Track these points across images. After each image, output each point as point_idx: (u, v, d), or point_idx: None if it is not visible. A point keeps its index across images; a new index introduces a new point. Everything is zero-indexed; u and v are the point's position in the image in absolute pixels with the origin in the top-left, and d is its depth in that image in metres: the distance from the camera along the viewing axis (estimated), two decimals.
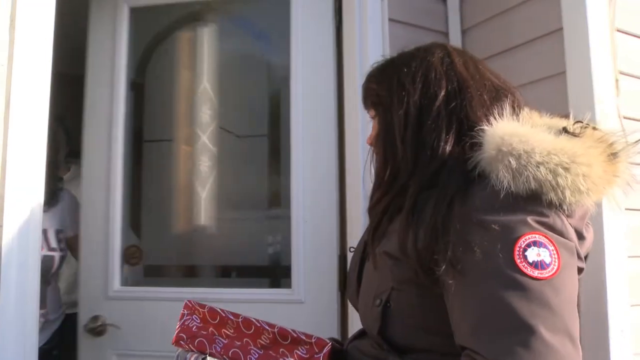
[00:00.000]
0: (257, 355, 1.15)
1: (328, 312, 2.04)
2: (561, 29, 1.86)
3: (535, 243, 0.91)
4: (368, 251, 1.17)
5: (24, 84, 1.55)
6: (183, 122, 2.44)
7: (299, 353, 1.15)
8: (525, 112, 1.12)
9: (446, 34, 2.28)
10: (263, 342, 1.17)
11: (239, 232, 2.39)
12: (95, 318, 2.21)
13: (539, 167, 0.94)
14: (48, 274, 2.23)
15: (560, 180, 0.94)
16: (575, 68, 1.80)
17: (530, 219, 0.93)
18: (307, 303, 1.99)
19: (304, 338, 1.17)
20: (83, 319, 2.23)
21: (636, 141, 1.04)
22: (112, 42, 2.36)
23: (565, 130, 1.03)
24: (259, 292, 2.19)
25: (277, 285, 2.25)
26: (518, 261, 0.89)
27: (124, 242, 2.32)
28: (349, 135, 2.08)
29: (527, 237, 0.91)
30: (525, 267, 0.89)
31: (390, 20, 2.12)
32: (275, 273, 2.28)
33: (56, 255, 2.24)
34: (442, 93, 1.09)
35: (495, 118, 1.04)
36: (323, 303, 1.95)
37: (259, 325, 1.18)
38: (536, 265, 0.89)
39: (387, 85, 1.16)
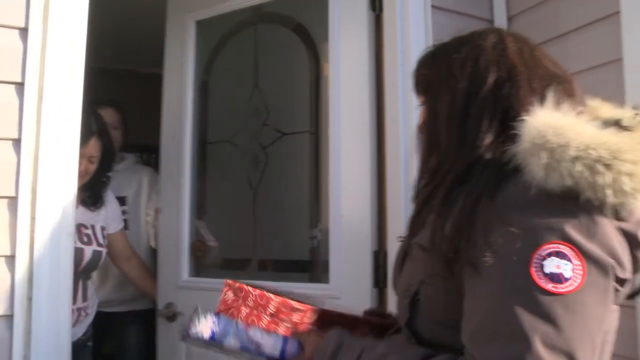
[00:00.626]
0: (265, 323, 1.22)
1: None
2: (618, 12, 1.73)
3: (557, 254, 0.83)
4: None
5: (57, 75, 1.53)
6: (239, 122, 2.57)
7: (294, 319, 1.22)
8: (591, 103, 1.04)
9: (491, 21, 2.17)
10: (270, 311, 1.23)
11: (284, 226, 2.44)
12: (168, 305, 2.43)
13: (574, 163, 0.85)
14: (94, 269, 2.26)
15: (598, 178, 0.84)
16: (633, 54, 1.67)
17: (559, 225, 0.84)
18: (343, 299, 1.92)
19: (301, 308, 1.22)
20: (160, 305, 2.47)
21: None
22: (182, 51, 2.61)
23: (617, 123, 0.94)
24: (296, 285, 2.13)
25: (318, 280, 2.23)
26: (533, 270, 0.83)
27: (192, 237, 2.52)
28: (390, 128, 1.99)
29: (550, 246, 0.84)
30: (539, 278, 0.83)
31: (433, 7, 2.03)
32: (316, 267, 2.26)
33: (103, 251, 2.27)
34: (491, 80, 1.01)
35: (537, 105, 0.96)
36: (358, 300, 1.88)
37: (269, 296, 1.24)
38: (552, 277, 0.82)
39: (436, 71, 1.09)
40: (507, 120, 0.98)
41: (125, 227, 2.61)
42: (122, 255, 2.47)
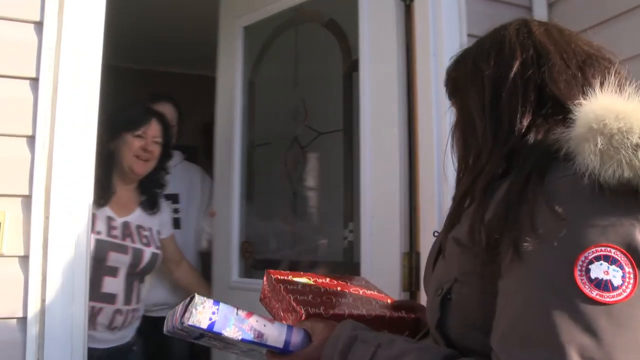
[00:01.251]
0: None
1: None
2: None
3: (607, 258, 0.73)
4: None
5: (72, 70, 1.48)
6: (281, 123, 2.59)
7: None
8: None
9: (529, 9, 2.03)
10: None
11: (321, 227, 2.42)
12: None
13: (637, 151, 0.73)
14: (150, 271, 2.24)
15: None
16: None
17: (613, 225, 0.74)
18: None
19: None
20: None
21: None
22: (232, 56, 2.69)
23: None
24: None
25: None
26: (577, 273, 0.73)
27: (241, 238, 2.55)
28: (422, 124, 1.88)
29: (599, 248, 0.73)
30: (584, 283, 0.72)
31: None
32: (348, 269, 2.19)
33: (160, 254, 2.25)
34: (517, 62, 0.94)
35: (589, 89, 0.85)
36: None
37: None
38: (598, 284, 0.72)
39: (462, 70, 1.03)
40: (543, 100, 0.90)
41: (177, 226, 2.60)
42: (173, 260, 2.43)
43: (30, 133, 1.44)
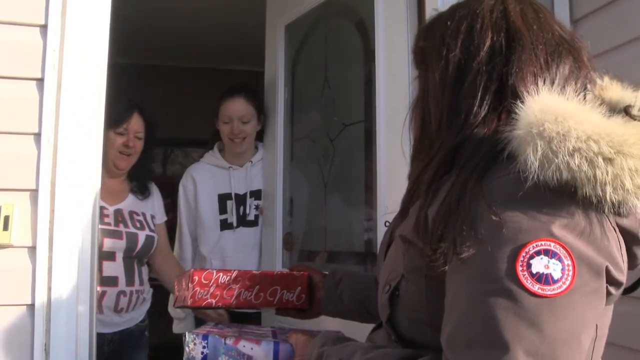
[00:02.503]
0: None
1: None
2: None
3: (547, 252, 0.73)
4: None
5: (76, 70, 1.54)
6: (315, 117, 2.57)
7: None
8: (599, 81, 0.91)
9: None
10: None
11: (347, 218, 2.38)
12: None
13: (573, 155, 0.74)
14: (147, 254, 2.29)
15: (598, 173, 0.74)
16: None
17: (551, 221, 0.74)
18: None
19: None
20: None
21: None
22: (275, 53, 2.71)
23: (626, 110, 0.84)
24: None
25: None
26: (519, 269, 0.73)
27: (284, 230, 2.54)
28: None
29: (539, 243, 0.73)
30: (526, 278, 0.72)
31: None
32: (370, 260, 2.16)
33: (155, 236, 2.30)
34: (486, 47, 0.88)
35: (540, 84, 0.84)
36: None
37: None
38: (540, 278, 0.72)
39: (430, 41, 0.96)
40: (504, 92, 0.86)
41: (255, 224, 2.59)
42: (159, 250, 2.37)
43: (36, 131, 1.51)
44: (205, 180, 2.57)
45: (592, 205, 0.75)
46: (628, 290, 0.92)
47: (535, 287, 0.72)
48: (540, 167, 0.75)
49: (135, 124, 2.23)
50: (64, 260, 1.49)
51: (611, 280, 0.77)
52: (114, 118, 2.13)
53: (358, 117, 2.28)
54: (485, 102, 0.86)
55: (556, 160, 0.74)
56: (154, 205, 2.39)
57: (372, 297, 1.23)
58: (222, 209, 2.56)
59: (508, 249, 0.74)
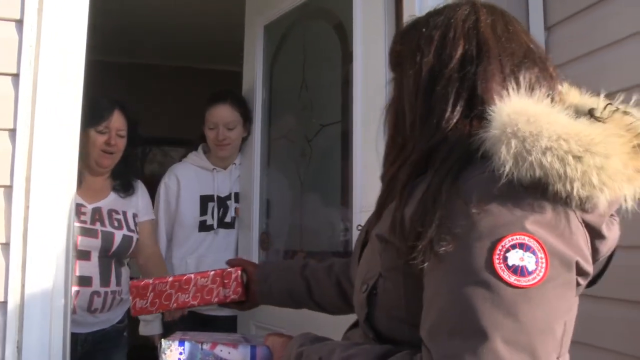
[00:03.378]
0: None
1: None
2: None
3: (522, 245, 0.78)
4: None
5: (52, 66, 1.51)
6: (292, 118, 2.60)
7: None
8: (560, 87, 0.96)
9: None
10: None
11: (324, 218, 2.39)
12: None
13: (545, 153, 0.79)
14: (125, 254, 2.24)
15: (568, 170, 0.78)
16: None
17: (525, 216, 0.79)
18: None
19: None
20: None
21: None
22: (253, 51, 2.74)
23: (590, 113, 0.88)
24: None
25: None
26: (496, 262, 0.77)
27: (261, 229, 2.56)
28: None
29: (514, 237, 0.78)
30: (502, 270, 0.76)
31: None
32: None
33: (134, 236, 2.25)
34: (457, 55, 0.93)
35: (510, 90, 0.88)
36: None
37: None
38: (515, 270, 0.77)
39: (406, 46, 1.00)
40: (474, 101, 0.90)
41: (232, 226, 2.57)
42: (141, 248, 2.33)
43: (11, 126, 1.47)
44: (189, 180, 2.56)
45: (561, 201, 0.79)
46: (590, 283, 0.96)
47: (512, 279, 0.76)
48: (515, 164, 0.79)
49: (117, 121, 2.20)
50: (38, 257, 1.46)
51: (580, 272, 0.82)
52: (95, 116, 2.12)
53: (335, 118, 2.29)
54: (457, 108, 0.90)
55: (530, 158, 0.78)
56: (137, 203, 2.34)
57: (295, 288, 1.37)
58: (203, 211, 2.55)
59: (485, 243, 0.78)
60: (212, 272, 1.44)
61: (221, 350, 1.11)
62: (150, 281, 1.41)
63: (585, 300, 1.00)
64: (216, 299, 1.42)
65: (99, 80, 2.21)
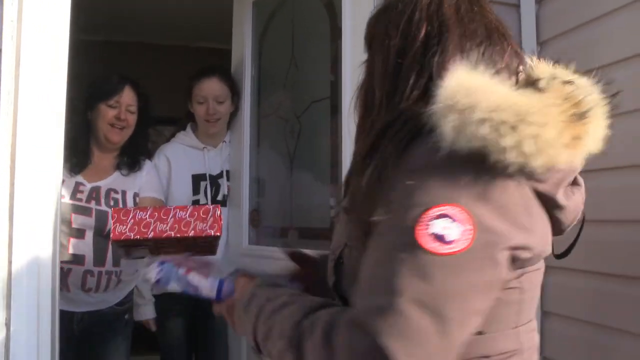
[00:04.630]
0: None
1: None
2: None
3: (448, 216, 0.79)
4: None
5: (36, 42, 1.48)
6: (282, 94, 2.59)
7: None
8: (529, 62, 0.97)
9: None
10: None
11: (313, 194, 2.40)
12: (235, 271, 2.32)
13: (481, 124, 0.80)
14: None
15: (503, 140, 0.79)
16: None
17: (459, 188, 0.80)
18: None
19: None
20: (229, 270, 2.35)
21: (612, 95, 0.89)
22: (242, 29, 2.66)
23: (533, 84, 0.89)
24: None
25: None
26: (419, 228, 0.79)
27: (251, 206, 2.53)
28: None
29: (443, 208, 0.79)
30: (423, 236, 0.79)
31: None
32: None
33: None
34: (421, 37, 0.95)
35: (458, 65, 0.89)
36: None
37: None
38: (437, 237, 0.78)
39: (376, 28, 1.02)
40: (435, 79, 0.91)
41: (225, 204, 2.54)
42: None
43: None
44: (180, 160, 2.51)
45: (501, 171, 0.80)
46: (561, 255, 1.02)
47: (430, 245, 0.78)
48: (454, 136, 0.80)
49: (127, 96, 2.18)
50: (24, 234, 1.45)
51: (518, 246, 0.82)
52: (106, 91, 2.14)
53: (324, 94, 2.27)
54: (417, 86, 0.92)
55: (467, 129, 0.80)
56: (142, 182, 2.29)
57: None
58: (196, 190, 2.52)
59: (415, 212, 0.80)
60: (192, 207, 1.54)
61: (193, 277, 1.21)
62: (132, 209, 1.52)
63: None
64: (192, 232, 1.51)
65: (87, 59, 2.18)
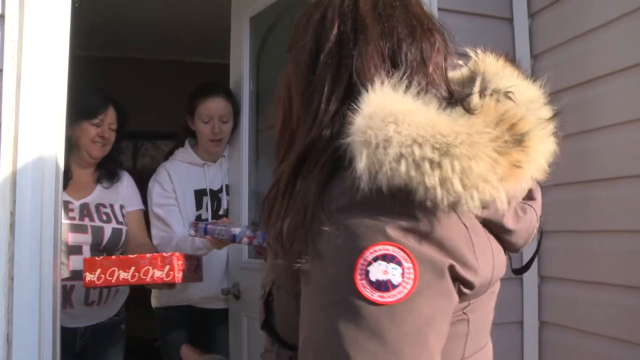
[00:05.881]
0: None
1: None
2: None
3: (385, 257, 0.69)
4: None
5: (36, 61, 1.51)
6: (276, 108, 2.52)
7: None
8: (472, 54, 0.89)
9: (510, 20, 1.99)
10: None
11: None
12: (235, 284, 2.41)
13: (399, 162, 0.70)
14: (117, 246, 2.23)
15: (427, 178, 0.69)
16: None
17: (387, 224, 0.71)
18: None
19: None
20: (229, 284, 2.46)
21: (553, 115, 0.80)
22: (240, 43, 2.70)
23: (462, 104, 0.77)
24: None
25: None
26: (357, 278, 0.69)
27: (250, 220, 2.50)
28: None
29: (377, 248, 0.70)
30: (364, 287, 0.69)
31: (440, 9, 1.87)
32: None
33: (123, 228, 2.24)
34: (332, 35, 0.83)
35: (379, 79, 0.77)
36: None
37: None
38: (379, 285, 0.69)
39: (294, 33, 0.92)
40: (352, 86, 0.80)
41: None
42: (131, 238, 2.28)
43: None
44: (182, 177, 2.51)
45: (431, 206, 0.71)
46: (520, 271, 0.96)
47: (375, 296, 0.69)
48: (370, 174, 0.70)
49: (111, 116, 2.24)
50: (25, 251, 1.47)
51: (458, 277, 0.74)
52: (90, 109, 2.18)
53: None
54: (333, 97, 0.81)
55: (383, 168, 0.70)
56: (125, 193, 2.33)
57: None
58: (198, 205, 2.52)
59: (346, 259, 0.71)
60: (149, 255, 1.70)
61: (223, 226, 1.84)
62: (99, 258, 1.73)
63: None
64: (150, 279, 1.68)
65: (87, 75, 2.21)
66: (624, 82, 1.61)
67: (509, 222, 0.81)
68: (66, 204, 2.09)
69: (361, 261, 0.70)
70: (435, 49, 0.84)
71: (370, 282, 0.69)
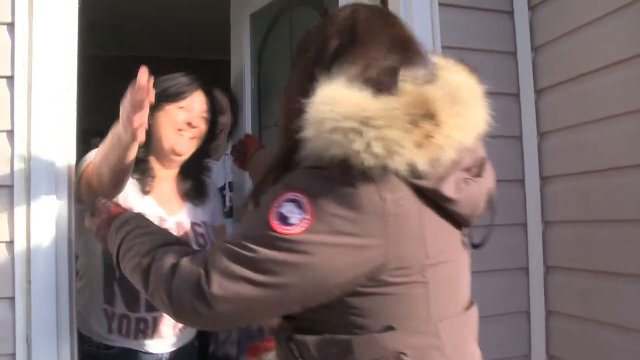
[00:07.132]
0: None
1: None
2: None
3: (295, 202, 0.91)
4: None
5: (46, 67, 1.54)
6: (279, 104, 2.52)
7: None
8: (443, 62, 1.05)
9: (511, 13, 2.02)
10: None
11: None
12: None
13: (333, 133, 0.90)
14: None
15: (354, 144, 0.89)
16: None
17: (314, 182, 0.92)
18: None
19: None
20: None
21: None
22: (240, 40, 2.79)
23: (386, 87, 0.95)
24: None
25: None
26: (274, 206, 0.93)
27: None
28: None
29: (294, 193, 0.92)
30: (273, 215, 0.92)
31: (441, 5, 1.90)
32: None
33: None
34: (332, 46, 1.02)
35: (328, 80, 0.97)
36: None
37: None
38: (282, 218, 0.91)
39: (299, 46, 1.11)
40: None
41: (230, 215, 2.56)
42: None
43: (9, 128, 1.51)
44: None
45: (366, 177, 0.90)
46: (478, 246, 1.08)
47: (275, 223, 0.91)
48: (315, 145, 0.91)
49: (202, 100, 1.77)
50: (41, 255, 1.50)
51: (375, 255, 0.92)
52: (174, 90, 1.74)
53: None
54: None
55: (323, 136, 0.90)
56: (212, 209, 1.92)
57: None
58: None
59: (274, 195, 0.94)
60: None
61: None
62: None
63: None
64: None
65: (94, 75, 2.19)
66: (624, 74, 1.64)
67: (450, 191, 0.95)
68: (161, 220, 1.71)
69: (281, 197, 0.92)
70: (416, 59, 1.01)
71: (278, 214, 0.91)
